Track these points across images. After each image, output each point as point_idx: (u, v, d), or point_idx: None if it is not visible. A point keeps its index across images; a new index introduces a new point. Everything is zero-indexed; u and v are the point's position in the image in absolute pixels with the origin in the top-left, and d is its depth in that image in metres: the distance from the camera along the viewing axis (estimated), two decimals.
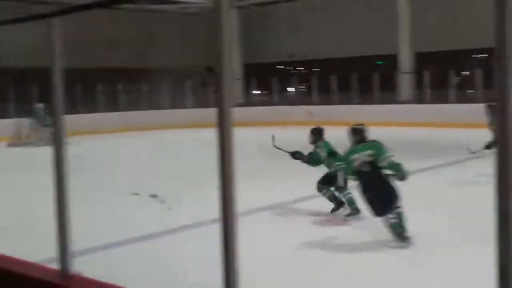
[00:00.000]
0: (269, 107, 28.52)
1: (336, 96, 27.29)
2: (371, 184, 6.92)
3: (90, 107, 25.64)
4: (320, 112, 24.71)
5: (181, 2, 28.72)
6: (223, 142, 2.49)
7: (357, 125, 7.39)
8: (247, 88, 30.84)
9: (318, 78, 28.76)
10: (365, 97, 26.57)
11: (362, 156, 6.96)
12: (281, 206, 9.20)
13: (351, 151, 7.14)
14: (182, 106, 28.39)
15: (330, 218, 8.35)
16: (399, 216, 6.76)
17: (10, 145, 20.88)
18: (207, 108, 26.45)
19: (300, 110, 26.30)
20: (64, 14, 2.77)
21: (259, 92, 32.08)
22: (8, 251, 3.86)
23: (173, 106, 28.21)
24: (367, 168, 6.92)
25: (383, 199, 6.82)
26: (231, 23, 2.45)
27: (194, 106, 28.24)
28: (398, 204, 6.77)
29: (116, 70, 28.48)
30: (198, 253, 6.37)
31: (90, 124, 23.61)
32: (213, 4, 2.32)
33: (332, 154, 8.28)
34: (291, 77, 31.28)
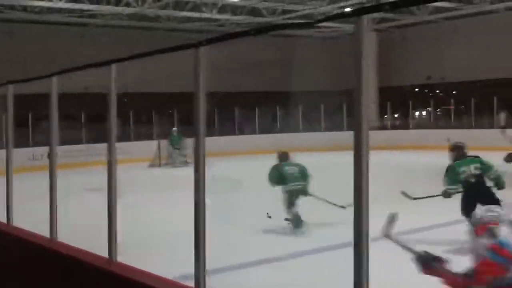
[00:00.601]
0: (404, 130, 27.90)
1: (473, 120, 26.20)
2: (477, 193, 7.74)
3: (226, 130, 26.49)
4: (457, 137, 23.73)
5: (321, 27, 28.97)
6: (359, 165, 2.49)
7: (458, 142, 8.64)
8: (382, 112, 30.41)
9: (456, 101, 27.78)
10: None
11: (469, 169, 8.05)
12: (416, 232, 8.93)
13: (459, 164, 8.15)
14: (318, 129, 28.53)
15: None
16: None
17: (151, 165, 22.06)
18: (343, 132, 26.52)
19: (437, 134, 25.44)
20: (211, 44, 2.93)
21: (395, 115, 31.51)
22: (145, 266, 4.08)
23: (310, 129, 28.44)
24: (473, 179, 7.97)
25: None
26: (369, 46, 2.46)
27: (330, 129, 28.30)
28: None
29: (254, 93, 29.47)
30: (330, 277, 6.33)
31: (225, 146, 24.22)
32: (354, 28, 2.36)
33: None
34: (428, 100, 30.43)
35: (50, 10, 24.43)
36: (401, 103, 29.13)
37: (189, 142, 22.58)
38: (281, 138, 25.09)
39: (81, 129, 24.93)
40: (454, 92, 30.44)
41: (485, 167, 8.15)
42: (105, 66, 4.11)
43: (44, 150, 20.35)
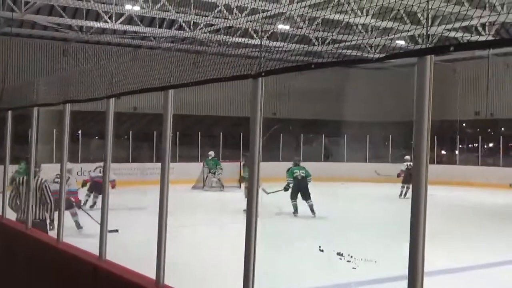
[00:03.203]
0: (451, 165, 27.45)
1: None
2: None
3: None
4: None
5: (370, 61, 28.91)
6: (418, 198, 2.49)
7: None
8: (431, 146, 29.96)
9: (504, 139, 27.35)
10: None
11: None
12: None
13: None
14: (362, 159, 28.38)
15: None
16: None
17: (194, 187, 22.25)
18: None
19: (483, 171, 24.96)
20: (269, 75, 2.99)
21: (442, 151, 31.05)
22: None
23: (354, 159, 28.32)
24: None
25: None
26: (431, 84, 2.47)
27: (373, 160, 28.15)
28: None
29: (301, 121, 29.79)
30: None
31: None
32: (418, 67, 2.38)
33: None
34: (476, 136, 29.90)
35: (105, 30, 25.10)
36: (450, 138, 28.70)
37: (225, 166, 22.81)
38: (327, 166, 24.92)
39: (128, 148, 25.34)
40: (502, 129, 29.96)
41: None
42: (161, 90, 4.19)
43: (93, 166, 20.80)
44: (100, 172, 14.76)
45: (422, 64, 2.47)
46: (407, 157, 20.36)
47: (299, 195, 14.97)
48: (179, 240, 8.99)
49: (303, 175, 15.20)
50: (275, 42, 25.00)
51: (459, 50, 2.44)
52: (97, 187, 14.75)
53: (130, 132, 25.39)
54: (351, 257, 9.30)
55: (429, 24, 22.38)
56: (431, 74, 2.46)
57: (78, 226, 11.77)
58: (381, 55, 2.82)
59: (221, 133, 26.95)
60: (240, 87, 24.55)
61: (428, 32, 22.68)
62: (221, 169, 22.47)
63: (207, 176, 22.58)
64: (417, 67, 2.48)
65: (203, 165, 22.83)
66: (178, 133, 24.90)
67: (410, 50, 2.51)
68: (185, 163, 23.90)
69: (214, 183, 22.42)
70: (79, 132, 23.82)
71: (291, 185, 15.14)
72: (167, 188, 4.17)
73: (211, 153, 23.20)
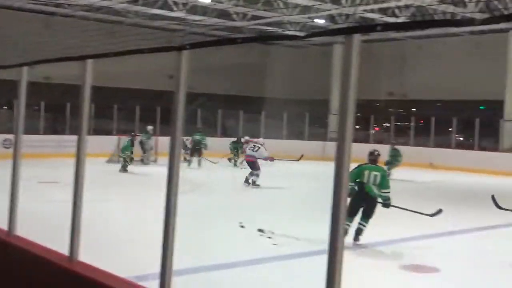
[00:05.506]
0: (364, 144, 28.18)
1: (433, 139, 26.72)
2: None
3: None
4: (415, 153, 24.12)
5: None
6: (340, 176, 2.51)
7: None
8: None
9: (416, 119, 28.36)
10: (466, 142, 26.03)
11: None
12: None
13: None
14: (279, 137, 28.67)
15: None
16: None
17: (108, 161, 21.82)
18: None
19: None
20: (194, 48, 2.92)
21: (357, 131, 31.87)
22: (107, 266, 4.00)
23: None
24: None
25: None
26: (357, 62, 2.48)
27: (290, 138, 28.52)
28: None
29: (220, 96, 29.80)
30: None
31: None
32: (345, 45, 2.37)
33: None
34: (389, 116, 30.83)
35: None
36: (363, 118, 29.43)
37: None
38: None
39: (39, 119, 24.50)
40: (413, 109, 31.08)
41: None
42: (80, 60, 4.02)
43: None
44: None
45: (349, 43, 2.47)
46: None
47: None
48: (96, 216, 8.86)
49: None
50: (195, 16, 24.73)
51: (385, 30, 2.46)
52: None
53: (42, 103, 24.53)
54: (272, 233, 9.39)
55: (349, 4, 22.78)
56: (358, 53, 2.46)
57: None
58: (304, 33, 2.81)
59: (137, 107, 26.53)
60: (159, 60, 24.11)
61: (347, 12, 23.08)
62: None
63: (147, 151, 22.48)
64: (344, 46, 2.48)
65: (142, 139, 22.38)
66: (93, 105, 24.25)
67: (338, 29, 2.51)
68: (100, 136, 23.37)
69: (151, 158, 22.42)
70: None
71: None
72: (83, 162, 4.03)
73: (151, 127, 22.89)
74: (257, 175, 16.20)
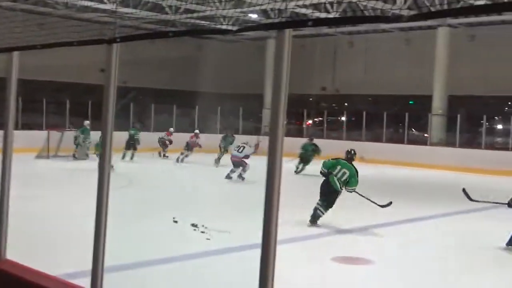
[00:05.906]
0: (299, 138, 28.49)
1: (364, 133, 27.28)
2: None
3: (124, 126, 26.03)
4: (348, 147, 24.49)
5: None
6: (273, 171, 2.52)
7: None
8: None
9: (348, 113, 28.91)
10: (396, 136, 26.74)
11: None
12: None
13: None
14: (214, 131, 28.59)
15: None
16: None
17: (38, 157, 21.18)
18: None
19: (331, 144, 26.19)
20: (125, 41, 2.86)
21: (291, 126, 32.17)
22: (35, 264, 3.91)
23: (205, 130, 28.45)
24: None
25: None
26: (288, 56, 2.49)
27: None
28: None
29: (153, 90, 29.42)
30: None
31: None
32: (277, 39, 2.38)
33: None
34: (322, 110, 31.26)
35: None
36: (296, 112, 29.76)
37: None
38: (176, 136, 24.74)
39: None
40: (346, 104, 31.68)
41: None
42: (6, 52, 3.90)
43: None
44: None
45: (281, 37, 2.48)
46: None
47: None
48: (24, 212, 8.60)
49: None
50: (126, 9, 24.31)
51: (317, 25, 2.49)
52: None
53: None
54: (206, 228, 9.37)
55: None
56: (290, 48, 2.48)
57: None
58: (236, 27, 2.81)
59: (68, 101, 25.88)
60: (91, 53, 23.61)
61: (280, 7, 23.20)
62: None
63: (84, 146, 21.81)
64: (276, 41, 2.49)
65: (80, 134, 21.76)
66: (20, 99, 23.54)
67: (270, 23, 2.52)
68: (29, 131, 22.70)
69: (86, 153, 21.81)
70: None
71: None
72: (10, 157, 3.91)
73: (88, 122, 22.30)
74: (245, 171, 16.68)
